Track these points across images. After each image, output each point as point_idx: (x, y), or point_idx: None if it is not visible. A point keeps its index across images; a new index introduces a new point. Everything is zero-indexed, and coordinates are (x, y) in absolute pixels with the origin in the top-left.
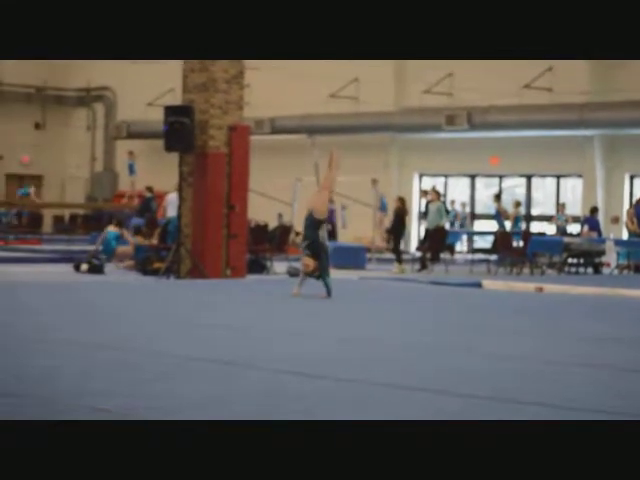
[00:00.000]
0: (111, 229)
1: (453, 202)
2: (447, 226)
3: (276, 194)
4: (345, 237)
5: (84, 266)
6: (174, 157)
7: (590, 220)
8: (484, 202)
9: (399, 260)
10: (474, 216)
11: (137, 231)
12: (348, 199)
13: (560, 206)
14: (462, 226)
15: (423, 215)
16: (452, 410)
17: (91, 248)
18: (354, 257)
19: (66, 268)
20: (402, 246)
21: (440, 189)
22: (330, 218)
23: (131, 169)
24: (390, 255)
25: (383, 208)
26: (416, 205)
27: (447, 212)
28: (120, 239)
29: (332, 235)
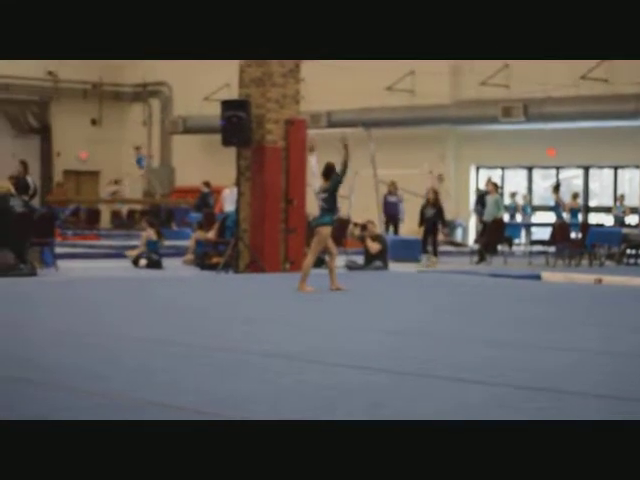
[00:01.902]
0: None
1: (514, 194)
2: (506, 218)
3: None
4: (403, 230)
5: (142, 261)
6: (231, 152)
7: None
8: (541, 194)
9: (435, 253)
10: (532, 208)
11: (200, 226)
12: (404, 191)
13: (619, 197)
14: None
15: (480, 208)
16: (533, 407)
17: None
18: (410, 250)
19: (124, 263)
20: (459, 238)
21: (497, 181)
22: (394, 211)
23: (140, 163)
24: (449, 248)
25: None
26: (473, 197)
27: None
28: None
29: (396, 228)
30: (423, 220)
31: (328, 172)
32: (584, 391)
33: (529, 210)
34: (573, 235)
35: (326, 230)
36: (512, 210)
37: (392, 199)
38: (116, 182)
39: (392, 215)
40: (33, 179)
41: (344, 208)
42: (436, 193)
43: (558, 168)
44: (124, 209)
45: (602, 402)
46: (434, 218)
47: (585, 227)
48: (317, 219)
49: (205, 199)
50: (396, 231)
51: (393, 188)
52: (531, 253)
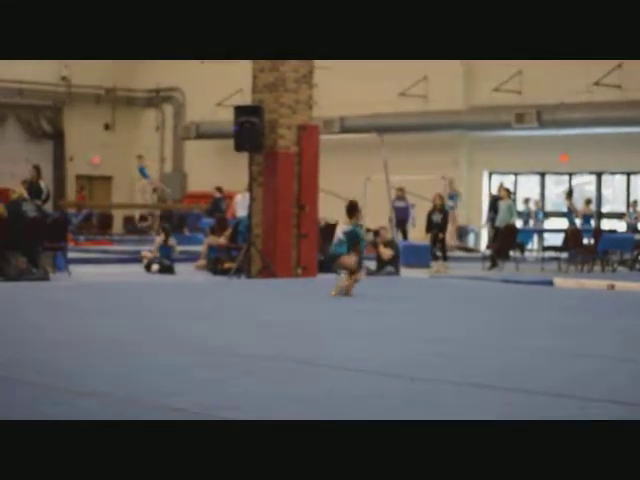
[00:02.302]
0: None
1: (527, 200)
2: (518, 224)
3: (346, 193)
4: (412, 235)
5: (155, 266)
6: (244, 157)
7: None
8: (553, 200)
9: (445, 258)
10: (544, 214)
11: (212, 231)
12: (417, 197)
13: (632, 203)
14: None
15: (493, 213)
16: (560, 415)
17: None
18: (421, 255)
19: (137, 268)
20: (471, 244)
21: (510, 187)
22: (402, 216)
23: (143, 173)
24: (461, 253)
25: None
26: (486, 203)
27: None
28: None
29: (404, 234)
30: (430, 226)
31: (351, 210)
32: (601, 398)
33: (541, 216)
34: (585, 241)
35: (346, 257)
36: (525, 216)
37: (400, 204)
38: (155, 190)
39: (400, 220)
40: (46, 184)
41: None
42: (442, 199)
43: (571, 174)
44: (137, 214)
45: (620, 409)
46: (442, 224)
47: (598, 233)
48: (335, 247)
49: (217, 204)
50: (405, 236)
51: (401, 193)
52: (543, 259)
